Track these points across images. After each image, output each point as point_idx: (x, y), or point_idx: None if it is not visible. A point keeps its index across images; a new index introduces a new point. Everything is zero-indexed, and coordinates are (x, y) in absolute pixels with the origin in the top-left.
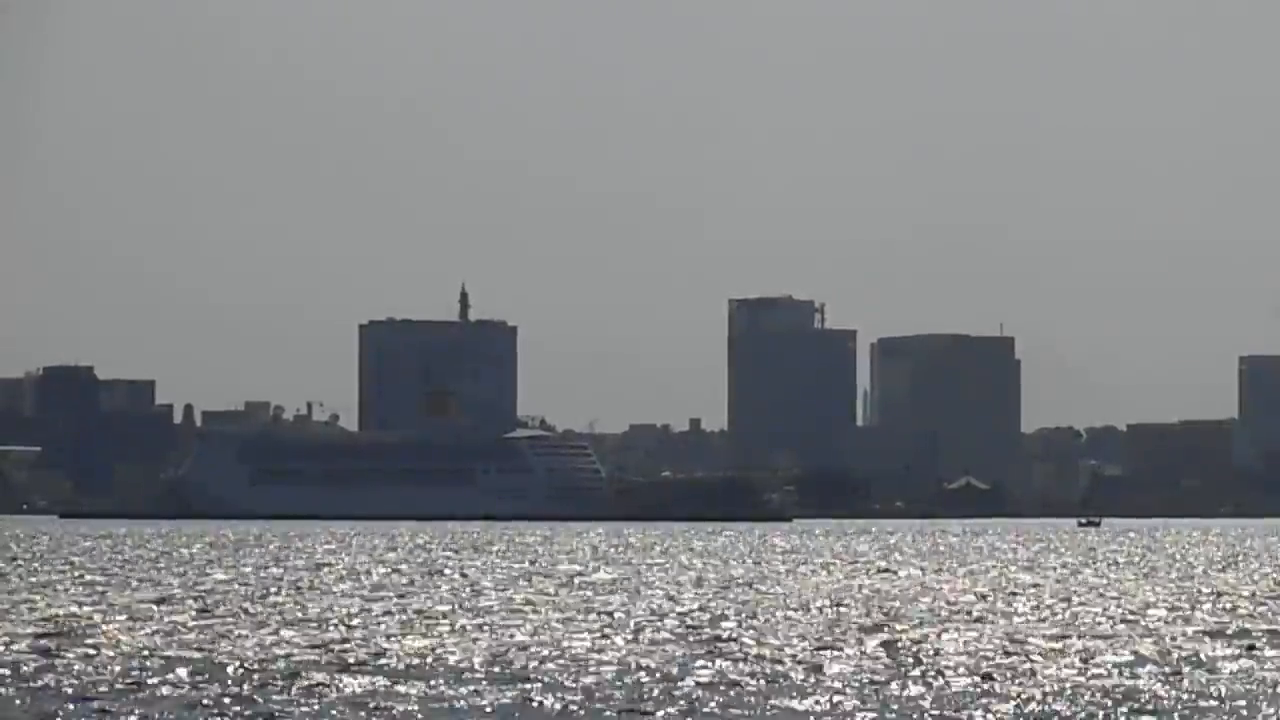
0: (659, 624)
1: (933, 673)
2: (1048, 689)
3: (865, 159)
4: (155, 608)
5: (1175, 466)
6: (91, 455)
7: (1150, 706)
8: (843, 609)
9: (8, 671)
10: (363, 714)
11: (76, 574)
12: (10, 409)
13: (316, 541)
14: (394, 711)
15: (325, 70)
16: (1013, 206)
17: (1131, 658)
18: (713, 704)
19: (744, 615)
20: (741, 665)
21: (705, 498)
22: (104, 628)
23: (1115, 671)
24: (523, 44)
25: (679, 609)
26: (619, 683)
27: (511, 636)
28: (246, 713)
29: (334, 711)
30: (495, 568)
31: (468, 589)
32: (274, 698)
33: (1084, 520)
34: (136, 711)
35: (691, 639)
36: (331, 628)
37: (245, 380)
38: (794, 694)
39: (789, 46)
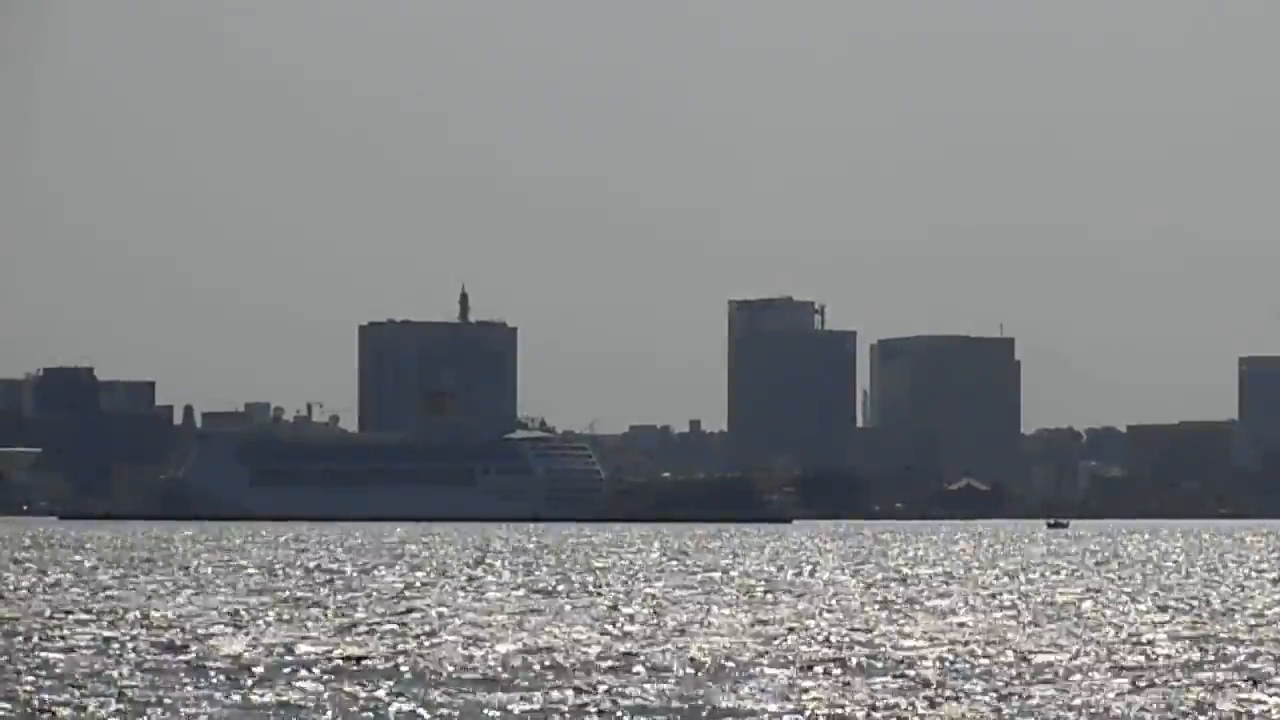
0: None
1: None
2: None
3: (865, 159)
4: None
5: (1175, 467)
6: (91, 456)
7: None
8: None
9: None
10: None
11: None
12: (10, 410)
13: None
14: None
15: (325, 71)
16: (1013, 207)
17: None
18: None
19: None
20: None
21: (705, 499)
22: None
23: None
24: (523, 44)
25: None
26: None
27: None
28: None
29: None
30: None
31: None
32: None
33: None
34: None
35: None
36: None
37: (245, 381)
38: None
39: (790, 47)
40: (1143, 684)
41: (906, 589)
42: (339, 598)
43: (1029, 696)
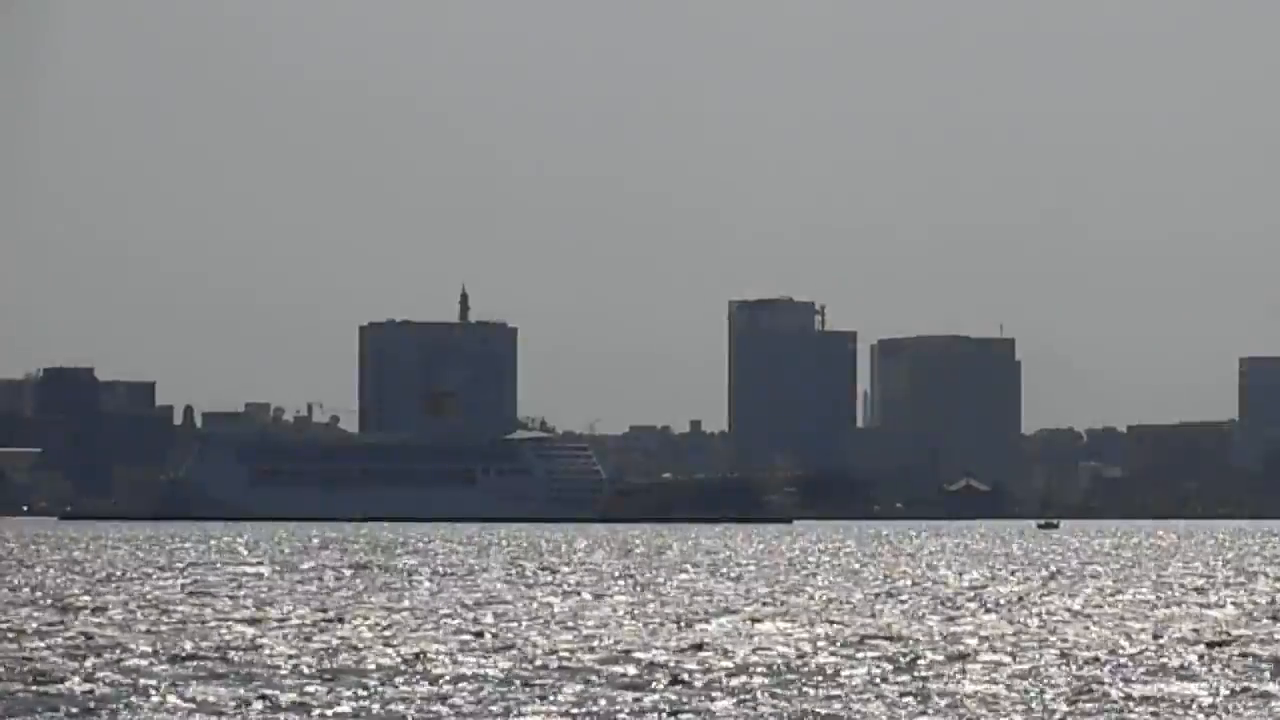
0: None
1: None
2: None
3: (866, 159)
4: None
5: (1175, 467)
6: (91, 456)
7: None
8: None
9: None
10: None
11: None
12: (10, 410)
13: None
14: None
15: (326, 70)
16: (1013, 206)
17: None
18: None
19: None
20: None
21: (705, 499)
22: None
23: None
24: (524, 44)
25: None
26: None
27: None
28: None
29: None
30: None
31: None
32: None
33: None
34: None
35: None
36: None
37: (245, 381)
38: None
39: (790, 45)
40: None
41: None
42: None
43: None
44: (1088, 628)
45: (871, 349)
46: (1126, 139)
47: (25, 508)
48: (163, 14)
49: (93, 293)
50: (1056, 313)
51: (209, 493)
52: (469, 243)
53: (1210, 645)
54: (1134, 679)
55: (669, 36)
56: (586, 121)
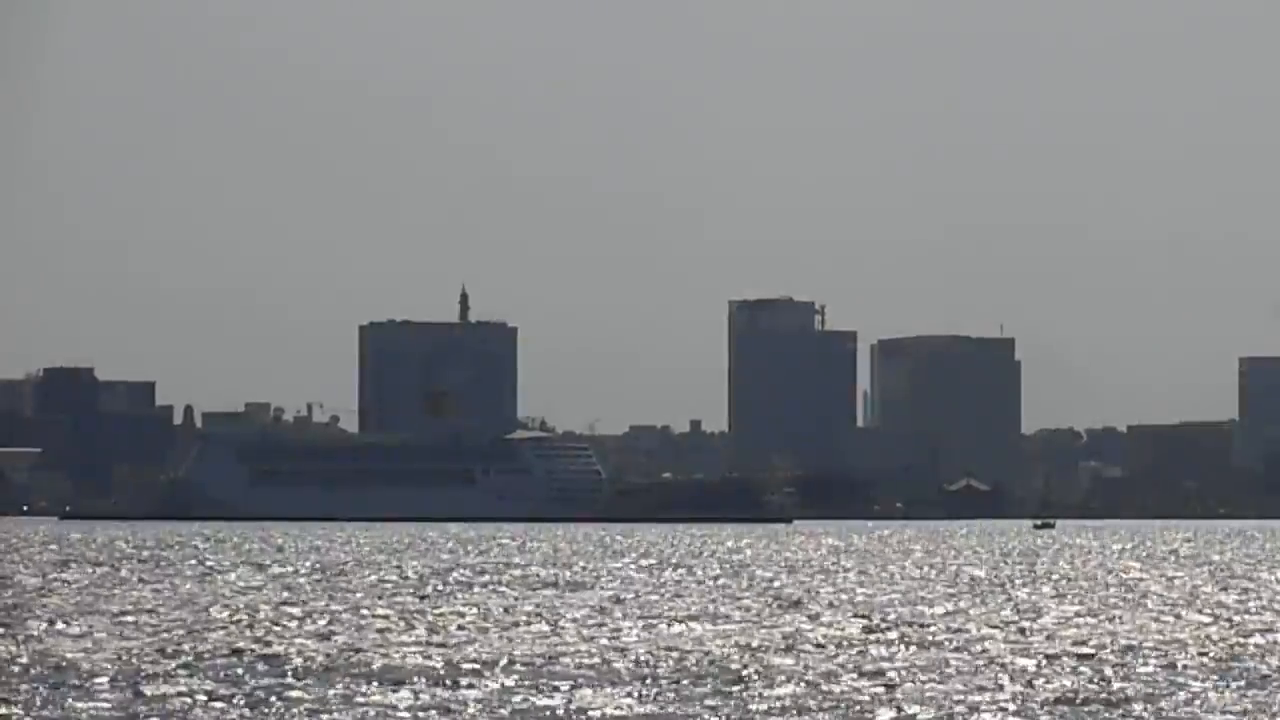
0: None
1: None
2: None
3: (865, 159)
4: None
5: (1175, 467)
6: (91, 456)
7: None
8: None
9: None
10: None
11: None
12: (10, 410)
13: None
14: None
15: (325, 70)
16: (1013, 206)
17: None
18: None
19: None
20: None
21: (705, 499)
22: None
23: None
24: (523, 44)
25: None
26: None
27: None
28: None
29: None
30: None
31: None
32: None
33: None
34: None
35: None
36: None
37: (245, 381)
38: None
39: (789, 46)
40: None
41: None
42: None
43: None
44: None
45: (871, 349)
46: (1127, 139)
47: (25, 508)
48: (163, 14)
49: (93, 293)
50: (1056, 313)
51: (209, 493)
52: (469, 243)
53: None
54: None
55: (669, 36)
56: (586, 122)
